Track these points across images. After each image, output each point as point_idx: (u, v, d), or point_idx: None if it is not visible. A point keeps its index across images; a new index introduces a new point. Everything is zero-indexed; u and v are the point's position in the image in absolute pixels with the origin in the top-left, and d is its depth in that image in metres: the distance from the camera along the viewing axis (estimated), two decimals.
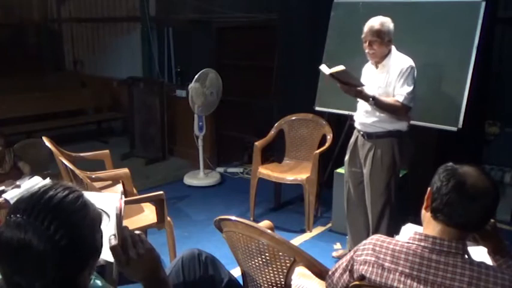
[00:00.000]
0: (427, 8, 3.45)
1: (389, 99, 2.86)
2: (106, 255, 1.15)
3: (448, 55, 3.30)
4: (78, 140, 6.20)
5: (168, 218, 2.97)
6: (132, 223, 2.87)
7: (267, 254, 1.81)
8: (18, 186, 2.92)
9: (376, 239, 1.49)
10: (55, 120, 6.53)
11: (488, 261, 1.53)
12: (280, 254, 1.78)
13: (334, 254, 3.44)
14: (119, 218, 1.13)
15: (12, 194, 2.72)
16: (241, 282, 2.00)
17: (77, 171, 2.92)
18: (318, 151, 3.84)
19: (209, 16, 5.37)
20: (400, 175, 3.31)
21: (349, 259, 1.54)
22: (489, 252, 1.57)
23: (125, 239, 1.12)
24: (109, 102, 7.02)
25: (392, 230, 2.67)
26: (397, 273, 1.40)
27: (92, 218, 1.06)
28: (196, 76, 4.69)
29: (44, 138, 3.28)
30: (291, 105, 4.42)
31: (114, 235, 1.12)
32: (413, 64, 2.85)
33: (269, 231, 1.80)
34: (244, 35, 5.30)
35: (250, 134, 5.13)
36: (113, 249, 1.12)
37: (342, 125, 3.97)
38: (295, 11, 4.47)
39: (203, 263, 1.86)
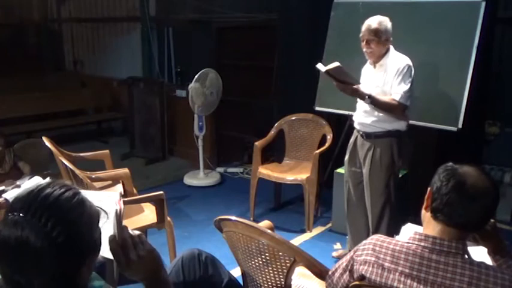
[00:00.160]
0: (427, 8, 3.45)
1: (385, 98, 2.86)
2: (105, 252, 1.16)
3: (448, 55, 3.30)
4: (78, 140, 6.20)
5: (168, 218, 2.97)
6: (132, 223, 2.87)
7: (267, 254, 1.81)
8: (19, 186, 2.92)
9: (376, 239, 1.49)
10: (55, 120, 6.53)
11: (488, 261, 1.54)
12: (280, 254, 1.78)
13: (334, 254, 3.44)
14: (119, 219, 1.13)
15: (12, 194, 2.72)
16: (241, 282, 2.00)
17: (77, 171, 2.92)
18: (318, 151, 3.84)
19: (209, 16, 5.37)
20: (400, 175, 3.31)
21: (349, 259, 1.54)
22: (489, 252, 1.57)
23: (125, 240, 1.12)
24: (109, 102, 7.02)
25: (392, 230, 2.67)
26: (397, 273, 1.40)
27: (89, 215, 1.06)
28: (196, 76, 4.69)
29: (44, 138, 3.28)
30: (291, 105, 4.42)
31: (114, 236, 1.12)
32: (410, 63, 2.86)
33: (269, 231, 1.80)
34: (244, 35, 5.30)
35: (250, 134, 5.13)
36: (113, 250, 1.12)
37: (342, 125, 3.97)
38: (295, 11, 4.47)
39: (203, 263, 1.86)
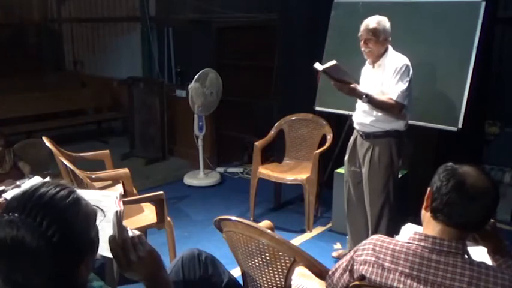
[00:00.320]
0: (427, 8, 3.45)
1: (383, 97, 2.87)
2: (104, 251, 1.16)
3: (448, 55, 3.31)
4: (78, 140, 6.20)
5: (168, 218, 2.97)
6: (132, 223, 2.87)
7: (267, 254, 1.81)
8: (19, 186, 2.91)
9: (376, 239, 1.49)
10: (55, 120, 6.53)
11: (488, 261, 1.54)
12: (280, 254, 1.78)
13: (334, 254, 3.44)
14: (119, 220, 1.13)
15: (12, 194, 2.72)
16: (241, 282, 2.00)
17: (77, 171, 2.92)
18: (318, 151, 3.84)
19: (209, 16, 5.37)
20: (400, 175, 3.31)
21: (349, 259, 1.54)
22: (489, 252, 1.57)
23: (125, 241, 1.13)
24: (109, 102, 7.02)
25: (392, 230, 2.67)
26: (397, 273, 1.40)
27: (85, 213, 1.06)
28: (196, 76, 4.69)
29: (44, 138, 3.28)
30: (291, 105, 4.43)
31: (114, 236, 1.12)
32: (408, 62, 2.86)
33: (269, 231, 1.80)
34: (244, 35, 5.30)
35: (250, 134, 5.13)
36: (113, 251, 1.12)
37: (342, 125, 3.97)
38: (295, 11, 4.47)
39: (203, 263, 1.86)
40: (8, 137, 3.96)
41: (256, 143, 4.04)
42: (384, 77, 2.89)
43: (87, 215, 1.07)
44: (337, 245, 3.60)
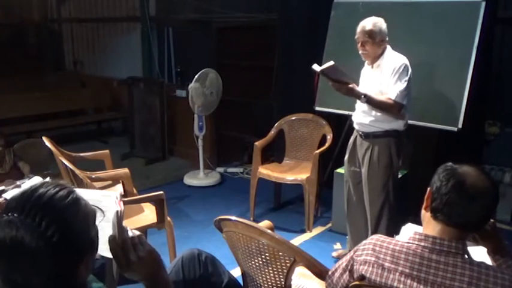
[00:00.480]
0: (427, 8, 3.45)
1: (381, 97, 2.87)
2: (104, 252, 1.15)
3: (448, 55, 3.30)
4: (78, 140, 6.20)
5: (168, 218, 2.97)
6: (132, 223, 2.87)
7: (267, 254, 1.81)
8: (19, 186, 2.92)
9: (376, 239, 1.49)
10: (55, 120, 6.53)
11: (488, 261, 1.54)
12: (280, 254, 1.78)
13: (334, 254, 3.44)
14: (119, 220, 1.13)
15: (12, 194, 2.72)
16: (241, 282, 2.00)
17: (77, 171, 2.92)
18: (318, 151, 3.84)
19: (209, 16, 5.37)
20: (400, 175, 3.31)
21: (349, 259, 1.54)
22: (489, 252, 1.57)
23: (125, 241, 1.13)
24: (109, 102, 7.02)
25: (392, 230, 2.67)
26: (397, 273, 1.40)
27: (84, 213, 1.06)
28: (196, 76, 4.69)
29: (44, 138, 3.28)
30: (291, 105, 4.43)
31: (114, 237, 1.12)
32: (407, 62, 2.86)
33: (269, 231, 1.80)
34: (244, 35, 5.30)
35: (250, 134, 5.13)
36: (113, 251, 1.12)
37: (342, 125, 3.97)
38: (295, 11, 4.47)
39: (203, 263, 1.86)
40: (8, 137, 3.96)
41: (256, 143, 4.04)
42: (383, 77, 2.89)
43: (86, 215, 1.07)
44: (337, 245, 3.60)
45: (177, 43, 6.07)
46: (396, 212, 3.05)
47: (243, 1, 5.16)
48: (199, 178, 4.98)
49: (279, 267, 1.81)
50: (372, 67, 2.97)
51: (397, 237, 1.80)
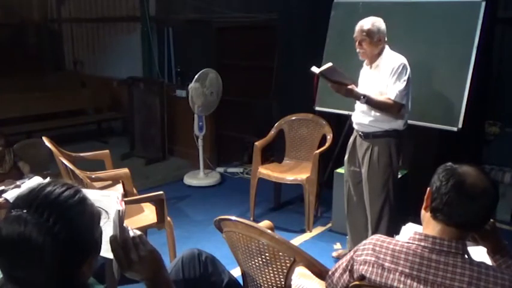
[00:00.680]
0: (427, 8, 3.45)
1: (381, 97, 2.88)
2: (105, 252, 1.15)
3: (448, 55, 3.31)
4: (78, 140, 6.19)
5: (168, 218, 2.97)
6: (132, 223, 2.87)
7: (267, 254, 1.81)
8: (19, 186, 2.92)
9: (376, 239, 1.49)
10: (55, 120, 6.52)
11: (488, 261, 1.54)
12: (280, 254, 1.78)
13: (334, 254, 3.44)
14: (121, 220, 1.13)
15: (12, 194, 2.72)
16: (241, 282, 2.00)
17: (77, 171, 2.92)
18: (318, 151, 3.84)
19: (209, 16, 5.37)
20: (400, 175, 3.31)
21: (349, 259, 1.54)
22: (489, 252, 1.57)
23: (126, 240, 1.13)
24: (109, 102, 7.02)
25: (392, 230, 2.67)
26: (397, 273, 1.40)
27: (90, 213, 1.07)
28: (196, 76, 4.69)
29: (44, 138, 3.28)
30: (291, 105, 4.43)
31: (115, 236, 1.12)
32: (405, 62, 2.86)
33: (269, 231, 1.80)
34: (244, 35, 5.30)
35: (250, 134, 5.13)
36: (114, 251, 1.12)
37: (342, 125, 3.97)
38: (295, 11, 4.47)
39: (203, 263, 1.86)
40: (8, 137, 3.96)
41: (256, 143, 4.04)
42: (382, 77, 2.89)
43: (92, 215, 1.08)
44: (337, 245, 3.60)
45: (177, 43, 6.07)
46: (396, 212, 3.05)
47: (243, 1, 5.16)
48: (199, 178, 4.98)
49: (279, 267, 1.81)
50: (371, 67, 2.97)
51: (397, 237, 1.80)
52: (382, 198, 3.01)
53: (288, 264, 1.78)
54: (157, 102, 5.52)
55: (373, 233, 2.94)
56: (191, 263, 1.85)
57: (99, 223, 1.10)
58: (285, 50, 4.64)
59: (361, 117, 3.02)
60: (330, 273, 1.62)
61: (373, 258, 1.45)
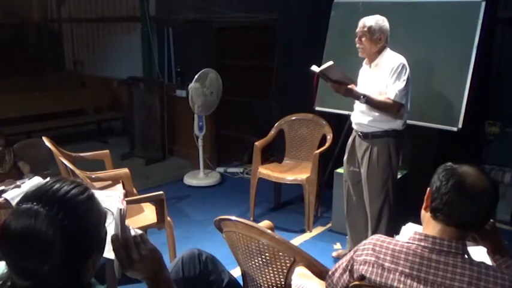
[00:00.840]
0: (427, 8, 3.46)
1: (380, 97, 2.88)
2: (106, 253, 1.16)
3: (448, 55, 3.31)
4: (78, 140, 6.19)
5: (168, 218, 2.97)
6: (132, 223, 2.86)
7: (267, 254, 1.81)
8: (19, 186, 2.92)
9: (376, 239, 1.49)
10: (55, 120, 6.52)
11: (488, 261, 1.54)
12: (280, 254, 1.78)
13: (334, 254, 3.44)
14: (122, 219, 1.13)
15: (12, 194, 2.72)
16: (241, 282, 2.00)
17: (77, 171, 2.93)
18: (318, 151, 3.84)
19: (209, 16, 5.37)
20: (400, 175, 3.31)
21: (349, 259, 1.54)
22: (488, 252, 1.57)
23: (127, 239, 1.13)
24: (109, 102, 7.02)
25: (392, 230, 2.67)
26: (397, 273, 1.40)
27: (97, 212, 1.09)
28: (196, 76, 4.69)
29: (44, 138, 3.28)
30: (291, 105, 4.43)
31: (117, 235, 1.12)
32: (405, 62, 2.86)
33: (269, 231, 1.80)
34: (244, 35, 5.30)
35: (250, 134, 5.13)
36: (115, 250, 1.12)
37: (342, 125, 3.97)
38: (295, 11, 4.47)
39: (203, 263, 1.87)
40: (8, 137, 3.96)
41: (256, 143, 4.05)
42: (381, 77, 2.89)
43: (99, 213, 1.10)
44: (337, 245, 3.60)
45: (177, 43, 6.07)
46: (396, 212, 3.05)
47: (243, 1, 5.16)
48: (199, 178, 4.98)
49: (279, 267, 1.81)
50: (370, 67, 2.97)
51: (397, 237, 1.80)
52: (381, 198, 3.01)
53: (288, 264, 1.78)
54: (157, 102, 5.52)
55: (373, 232, 2.94)
56: (191, 263, 1.85)
57: (105, 223, 1.12)
58: (285, 50, 4.64)
59: (360, 117, 3.02)
60: (330, 273, 1.62)
61: (373, 258, 1.45)
